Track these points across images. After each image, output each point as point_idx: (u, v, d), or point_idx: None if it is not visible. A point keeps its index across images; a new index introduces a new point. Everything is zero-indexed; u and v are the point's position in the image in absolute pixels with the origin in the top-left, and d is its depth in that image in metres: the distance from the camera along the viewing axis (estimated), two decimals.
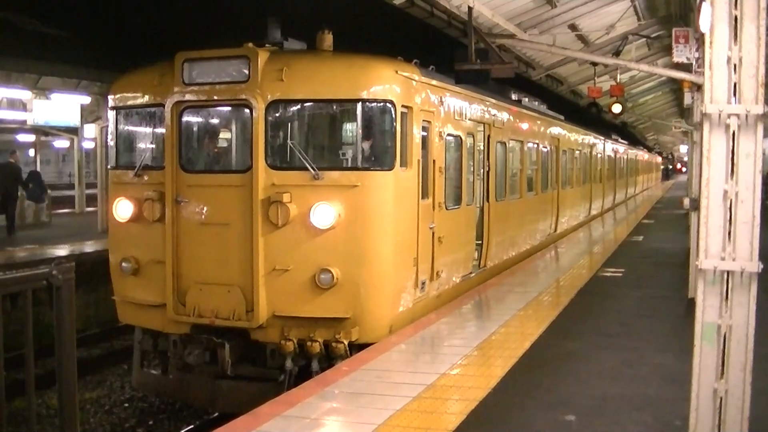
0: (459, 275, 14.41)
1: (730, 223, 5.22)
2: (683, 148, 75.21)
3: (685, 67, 15.57)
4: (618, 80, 27.02)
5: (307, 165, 10.89)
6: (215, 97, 11.47)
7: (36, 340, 4.08)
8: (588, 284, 16.21)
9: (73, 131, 31.77)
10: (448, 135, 13.52)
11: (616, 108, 27.22)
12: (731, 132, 5.20)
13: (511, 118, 18.39)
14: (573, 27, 21.21)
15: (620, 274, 17.69)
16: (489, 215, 16.45)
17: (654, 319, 12.86)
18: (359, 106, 11.10)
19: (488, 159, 16.40)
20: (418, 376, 9.22)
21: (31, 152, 60.34)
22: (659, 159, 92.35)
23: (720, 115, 5.20)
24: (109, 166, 13.01)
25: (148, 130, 12.32)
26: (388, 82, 11.32)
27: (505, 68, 14.66)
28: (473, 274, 15.40)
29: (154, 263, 11.68)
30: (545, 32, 19.18)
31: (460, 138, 14.32)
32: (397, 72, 11.52)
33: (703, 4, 8.63)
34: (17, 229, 25.63)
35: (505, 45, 17.77)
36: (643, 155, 64.20)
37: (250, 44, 11.35)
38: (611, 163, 39.36)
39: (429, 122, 12.53)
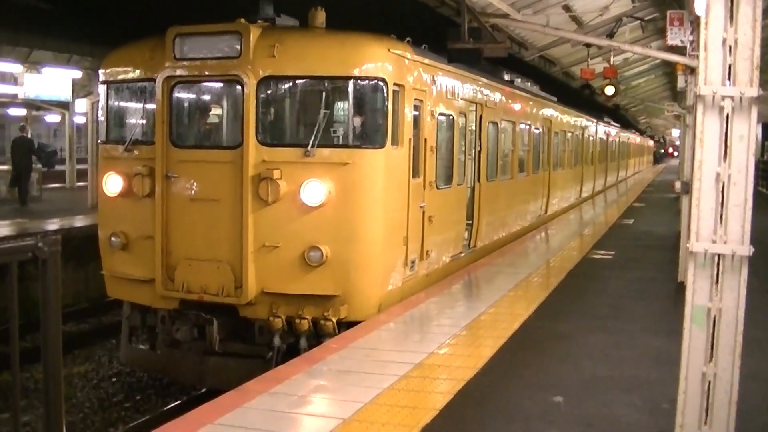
0: (449, 255, 14.39)
1: (722, 206, 5.20)
2: (675, 132, 75.28)
3: (679, 50, 15.51)
4: (611, 62, 26.94)
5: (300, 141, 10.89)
6: (206, 73, 11.43)
7: (25, 315, 4.05)
8: (578, 266, 16.22)
9: (64, 106, 31.63)
10: (440, 114, 13.48)
11: (609, 90, 27.19)
12: (725, 114, 5.17)
13: (504, 98, 18.34)
14: (567, 8, 21.13)
15: (610, 257, 17.71)
16: (480, 195, 16.43)
17: (643, 302, 12.87)
18: (351, 83, 11.06)
19: (480, 139, 16.37)
20: (407, 355, 9.21)
21: None
22: (651, 142, 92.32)
23: (714, 97, 5.16)
24: (99, 141, 12.96)
25: (139, 105, 12.27)
26: (380, 60, 11.27)
27: (497, 48, 14.62)
28: (463, 254, 15.39)
29: (143, 238, 11.65)
30: (539, 12, 19.08)
31: (452, 117, 14.28)
32: (389, 50, 11.46)
33: None
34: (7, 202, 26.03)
35: (498, 24, 17.67)
36: (635, 138, 64.21)
37: (242, 20, 11.27)
38: (603, 146, 39.36)
39: (421, 101, 12.48)
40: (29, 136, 28.91)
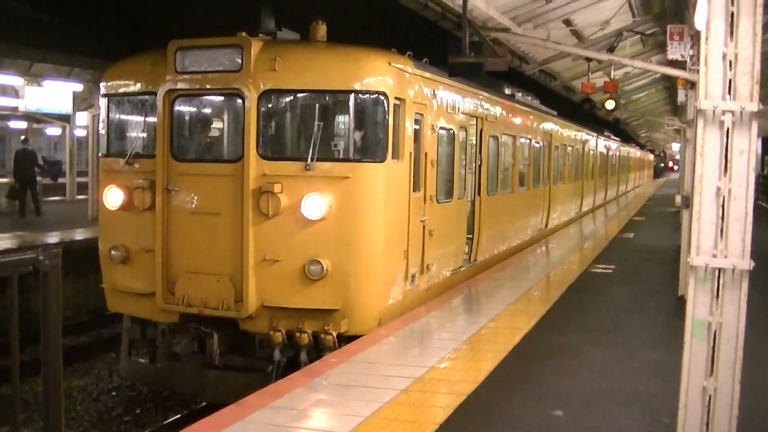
0: (449, 269, 14.38)
1: (723, 220, 5.19)
2: (675, 146, 75.33)
3: (680, 65, 15.56)
4: (612, 76, 26.97)
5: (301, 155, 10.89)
6: (207, 86, 11.43)
7: (25, 327, 4.04)
8: (578, 280, 16.20)
9: (65, 119, 31.67)
10: (441, 128, 13.48)
11: (609, 104, 27.20)
12: (725, 129, 5.17)
13: (504, 112, 18.36)
14: (567, 22, 21.16)
15: (611, 271, 17.68)
16: (480, 209, 16.43)
17: (644, 316, 12.85)
18: (352, 97, 11.06)
19: (480, 153, 16.38)
20: (407, 369, 9.20)
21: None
22: (651, 156, 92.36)
23: (714, 111, 5.17)
24: (100, 154, 12.96)
25: (140, 118, 12.28)
26: (381, 74, 11.28)
27: (498, 62, 14.61)
28: (463, 268, 15.38)
29: (143, 252, 11.66)
30: (539, 26, 19.11)
31: (453, 131, 14.29)
32: (390, 64, 11.48)
33: None
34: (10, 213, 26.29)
35: (499, 38, 17.71)
36: (635, 152, 64.25)
37: (244, 33, 11.28)
38: (603, 160, 39.36)
39: (422, 115, 12.49)
40: (31, 148, 29.05)
